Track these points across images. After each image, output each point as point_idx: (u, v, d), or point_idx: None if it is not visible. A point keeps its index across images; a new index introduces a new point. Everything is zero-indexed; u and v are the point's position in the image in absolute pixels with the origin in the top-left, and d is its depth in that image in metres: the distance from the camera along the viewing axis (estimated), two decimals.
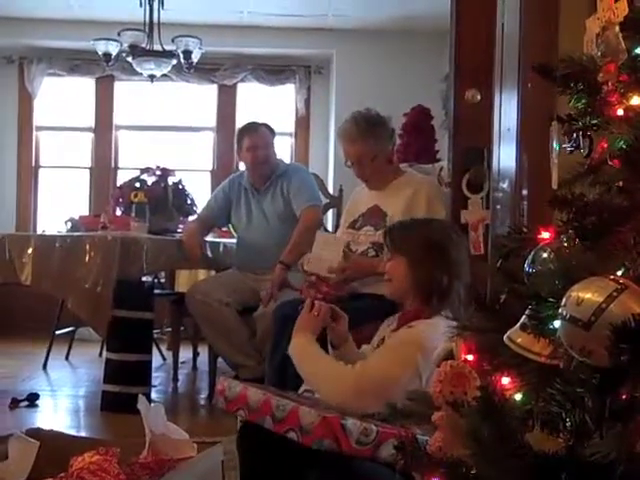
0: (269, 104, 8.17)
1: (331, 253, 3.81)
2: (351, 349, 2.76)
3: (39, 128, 8.18)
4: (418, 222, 2.86)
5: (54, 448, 2.90)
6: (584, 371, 1.23)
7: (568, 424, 1.22)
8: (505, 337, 1.43)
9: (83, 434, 3.77)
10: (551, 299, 1.32)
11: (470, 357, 1.59)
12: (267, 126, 4.86)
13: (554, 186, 1.52)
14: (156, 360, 5.33)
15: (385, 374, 2.43)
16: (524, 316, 1.38)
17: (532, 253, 1.45)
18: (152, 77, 6.06)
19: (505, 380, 1.41)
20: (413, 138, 5.71)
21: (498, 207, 3.27)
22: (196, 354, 5.88)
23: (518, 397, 1.36)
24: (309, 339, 2.58)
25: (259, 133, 4.78)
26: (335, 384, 2.46)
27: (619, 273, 1.28)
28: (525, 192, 2.87)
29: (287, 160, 7.11)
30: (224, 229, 5.59)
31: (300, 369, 2.57)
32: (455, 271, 2.56)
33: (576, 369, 1.26)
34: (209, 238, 5.10)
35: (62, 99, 8.20)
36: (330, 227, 5.86)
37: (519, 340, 1.40)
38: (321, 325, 2.66)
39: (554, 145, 1.55)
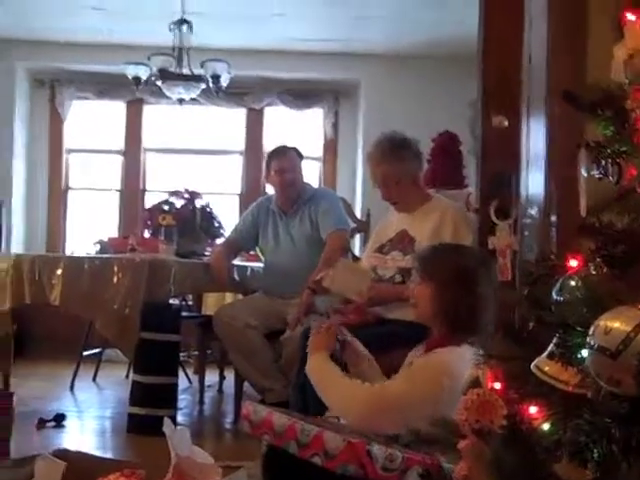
0: (297, 128, 8.20)
1: (359, 277, 3.81)
2: (372, 369, 2.77)
3: (69, 150, 8.25)
4: (449, 248, 2.85)
5: (80, 469, 2.90)
6: (612, 401, 1.22)
7: (595, 455, 1.21)
8: (532, 365, 1.42)
9: (109, 455, 3.78)
10: (579, 328, 1.31)
11: (497, 385, 1.58)
12: (295, 150, 4.88)
13: (582, 213, 1.51)
14: (182, 383, 5.34)
15: (404, 395, 2.43)
16: (552, 344, 1.37)
17: (560, 281, 1.45)
18: (181, 101, 6.10)
19: (532, 409, 1.40)
20: (440, 163, 5.71)
21: (526, 234, 3.25)
22: (222, 377, 5.88)
23: (545, 427, 1.35)
24: (324, 357, 2.63)
25: (287, 156, 4.81)
26: (350, 400, 2.48)
27: None
28: (553, 219, 2.85)
29: (315, 184, 7.16)
30: (252, 253, 5.60)
31: (317, 387, 2.59)
32: (483, 300, 2.54)
33: (604, 399, 1.25)
34: (236, 261, 5.11)
35: (92, 122, 8.27)
36: (357, 251, 5.85)
37: (547, 369, 1.39)
38: (334, 341, 2.68)
39: (582, 172, 1.55)
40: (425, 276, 2.66)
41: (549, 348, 1.39)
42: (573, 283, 1.42)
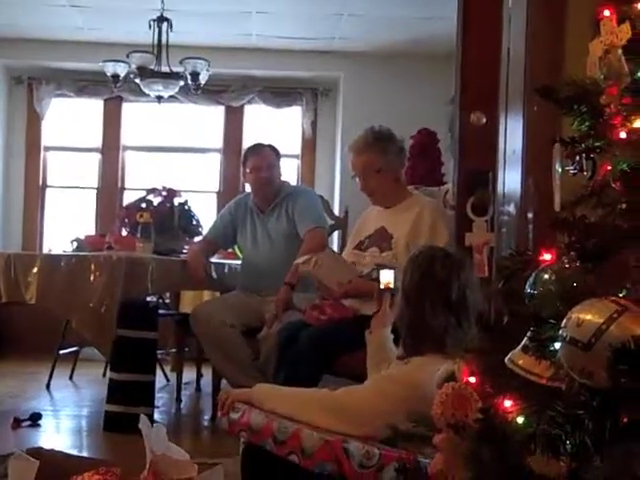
0: (276, 126, 8.19)
1: (344, 269, 3.82)
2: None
3: (47, 148, 8.20)
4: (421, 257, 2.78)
5: (54, 467, 2.88)
6: (584, 393, 1.22)
7: (569, 447, 1.21)
8: (507, 359, 1.43)
9: (85, 454, 3.76)
10: (552, 320, 1.32)
11: (472, 379, 1.58)
12: (272, 147, 4.88)
13: (557, 208, 1.52)
14: (159, 381, 5.32)
15: (368, 405, 2.41)
16: (525, 338, 1.38)
17: (533, 274, 1.45)
18: (160, 98, 6.08)
19: (507, 402, 1.40)
20: (419, 161, 5.72)
21: (503, 230, 3.26)
22: (200, 375, 5.87)
23: (520, 420, 1.35)
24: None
25: (262, 154, 4.81)
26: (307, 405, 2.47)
27: (620, 295, 1.28)
28: (530, 215, 2.86)
29: (293, 182, 7.15)
30: (229, 250, 5.59)
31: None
32: (458, 309, 2.52)
33: (577, 391, 1.25)
34: (214, 259, 5.10)
35: (70, 120, 8.23)
36: (336, 249, 5.85)
37: (521, 362, 1.40)
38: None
39: (557, 167, 1.55)
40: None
41: (523, 341, 1.39)
42: (546, 276, 1.42)
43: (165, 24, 5.96)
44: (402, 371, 2.49)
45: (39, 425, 4.43)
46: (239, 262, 5.07)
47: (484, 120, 3.60)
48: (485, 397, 1.51)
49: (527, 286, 1.46)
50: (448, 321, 2.48)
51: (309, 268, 3.82)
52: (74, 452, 3.68)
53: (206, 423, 4.80)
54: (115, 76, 6.11)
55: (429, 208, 3.88)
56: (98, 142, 8.21)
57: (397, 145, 4.00)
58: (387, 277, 3.00)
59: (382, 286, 3.01)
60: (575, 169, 1.50)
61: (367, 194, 4.01)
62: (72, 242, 5.36)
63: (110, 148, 8.17)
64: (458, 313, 2.48)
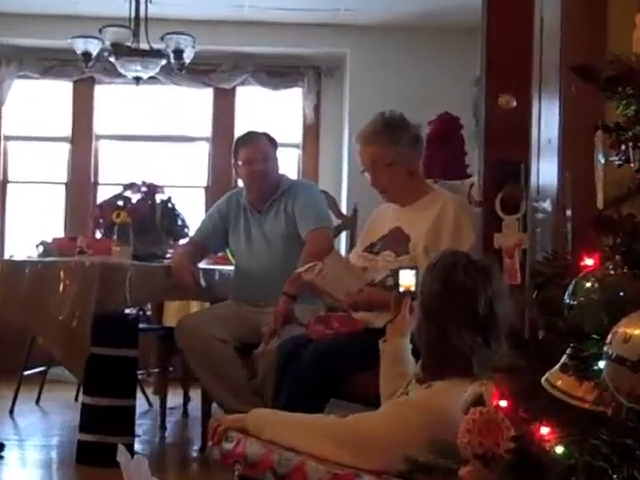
0: (272, 111, 8.19)
1: (352, 276, 3.82)
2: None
3: (8, 138, 8.20)
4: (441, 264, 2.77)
5: None
6: (633, 419, 1.23)
7: None
8: (543, 380, 1.43)
9: None
10: (595, 335, 1.32)
11: (503, 403, 1.59)
12: (267, 136, 4.88)
13: (599, 205, 1.52)
14: (140, 405, 5.33)
15: (386, 434, 2.42)
16: (565, 355, 1.38)
17: (573, 282, 1.45)
18: (138, 80, 6.09)
19: (543, 430, 1.41)
20: (439, 150, 5.72)
21: (538, 230, 3.27)
22: (187, 399, 5.87)
23: (559, 450, 1.36)
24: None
25: (256, 144, 4.81)
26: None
27: None
28: (569, 213, 2.86)
29: (293, 175, 7.15)
30: (220, 254, 5.59)
31: None
32: (486, 326, 2.53)
33: (625, 417, 1.25)
34: (203, 265, 5.10)
35: (35, 105, 8.23)
36: (343, 252, 5.86)
37: (559, 383, 1.40)
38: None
39: (600, 158, 1.56)
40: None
41: (562, 360, 1.40)
42: (588, 284, 1.43)
43: None
44: (423, 395, 2.50)
45: (1, 457, 4.43)
46: (231, 268, 5.07)
47: (514, 103, 3.61)
48: (518, 423, 1.52)
49: (566, 295, 1.46)
50: (474, 340, 2.48)
51: (312, 277, 3.83)
52: None
53: (195, 454, 4.80)
54: (86, 54, 6.11)
55: (452, 205, 3.88)
56: (67, 130, 8.21)
57: (411, 133, 3.99)
58: (407, 278, 3.02)
59: (401, 288, 3.02)
60: (620, 160, 1.51)
61: (379, 191, 4.01)
62: (38, 246, 5.36)
63: (81, 137, 8.17)
64: (486, 330, 2.48)
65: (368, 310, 3.74)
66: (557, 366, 1.41)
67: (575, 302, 1.44)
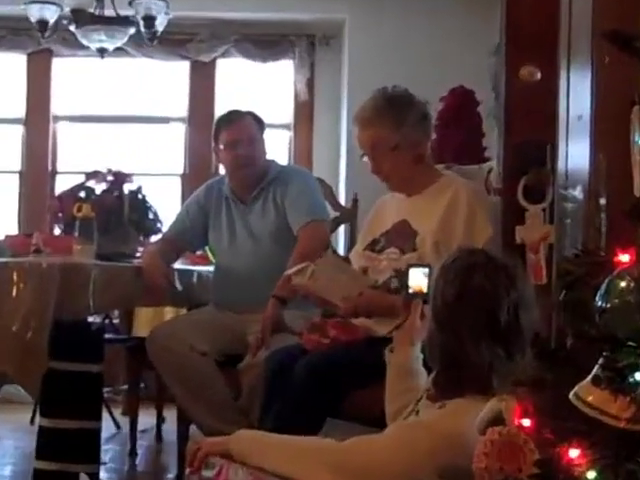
0: (259, 86, 8.20)
1: (350, 278, 3.82)
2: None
3: None
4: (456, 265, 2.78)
5: None
6: None
7: None
8: (572, 394, 1.43)
9: None
10: (631, 343, 1.32)
11: (526, 422, 1.59)
12: (253, 115, 4.89)
13: (637, 193, 1.53)
14: (107, 428, 5.33)
15: (394, 460, 2.42)
16: (596, 366, 1.38)
17: (606, 282, 1.45)
18: (102, 52, 6.09)
19: (573, 452, 1.41)
20: (452, 130, 5.72)
21: (567, 221, 3.27)
22: (161, 420, 5.88)
23: (591, 475, 1.36)
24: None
25: (240, 125, 4.82)
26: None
27: None
28: (603, 201, 2.87)
29: (283, 161, 7.16)
30: (199, 253, 5.60)
31: None
32: (508, 337, 2.53)
33: None
34: (178, 265, 5.11)
35: None
36: (342, 250, 5.86)
37: (590, 398, 1.40)
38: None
39: (637, 138, 1.56)
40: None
41: (593, 371, 1.40)
42: (623, 284, 1.43)
43: None
44: (436, 417, 2.50)
45: None
46: (212, 269, 5.08)
47: (538, 75, 3.62)
48: (544, 445, 1.52)
49: (597, 297, 1.46)
50: (495, 353, 2.48)
51: (304, 281, 3.82)
52: None
53: None
54: (42, 22, 6.10)
55: (465, 193, 3.88)
56: (20, 111, 8.22)
57: (418, 111, 3.98)
58: (418, 278, 3.02)
59: (411, 290, 3.02)
60: None
61: (381, 179, 4.00)
62: None
63: (36, 119, 8.17)
64: (508, 341, 2.48)
65: (370, 316, 3.74)
66: (588, 379, 1.41)
67: (608, 305, 1.44)
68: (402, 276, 3.69)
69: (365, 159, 3.98)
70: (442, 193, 3.90)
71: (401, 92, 3.98)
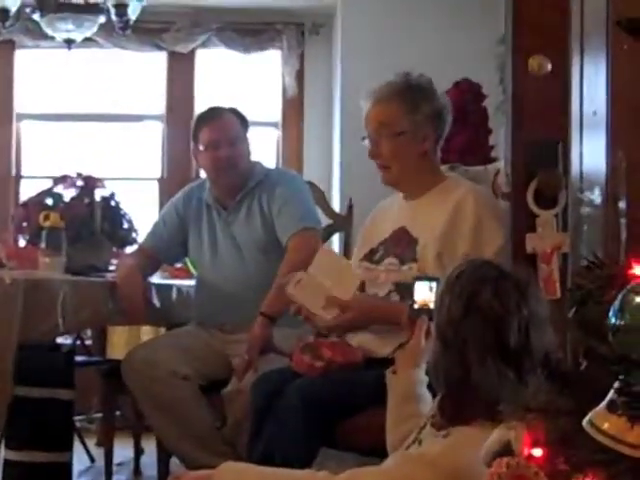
0: (243, 80, 8.21)
1: (338, 280, 3.79)
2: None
3: None
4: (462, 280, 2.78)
5: None
6: None
7: None
8: (586, 422, 1.44)
9: None
10: None
11: (537, 451, 1.60)
12: (235, 112, 4.89)
13: None
14: (80, 461, 5.33)
15: None
16: (612, 390, 1.39)
17: (620, 297, 1.46)
18: (70, 43, 6.09)
19: None
20: (456, 128, 5.73)
21: (583, 228, 3.28)
22: (139, 452, 5.87)
23: None
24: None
25: (222, 123, 4.83)
26: None
27: None
28: (623, 205, 2.88)
29: (270, 163, 7.16)
30: (178, 266, 5.60)
31: None
32: (519, 358, 2.54)
33: None
34: (156, 279, 5.11)
35: None
36: None
37: (606, 426, 1.41)
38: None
39: None
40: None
41: (609, 396, 1.41)
42: (638, 299, 1.43)
43: None
44: (439, 450, 2.50)
45: None
46: (193, 283, 5.08)
47: (549, 67, 3.63)
48: (556, 477, 1.53)
49: (611, 314, 1.46)
50: (503, 376, 2.49)
51: (289, 289, 3.79)
52: None
53: None
54: (3, 11, 6.11)
55: (471, 197, 3.88)
56: None
57: (435, 106, 3.96)
58: (424, 292, 3.01)
59: (416, 305, 3.01)
60: None
61: (378, 166, 3.96)
62: None
63: None
64: (518, 363, 2.49)
65: (366, 324, 3.73)
66: (603, 404, 1.42)
67: (622, 322, 1.44)
68: (403, 290, 3.70)
69: (366, 142, 3.97)
70: (446, 197, 3.89)
71: (424, 81, 3.98)
